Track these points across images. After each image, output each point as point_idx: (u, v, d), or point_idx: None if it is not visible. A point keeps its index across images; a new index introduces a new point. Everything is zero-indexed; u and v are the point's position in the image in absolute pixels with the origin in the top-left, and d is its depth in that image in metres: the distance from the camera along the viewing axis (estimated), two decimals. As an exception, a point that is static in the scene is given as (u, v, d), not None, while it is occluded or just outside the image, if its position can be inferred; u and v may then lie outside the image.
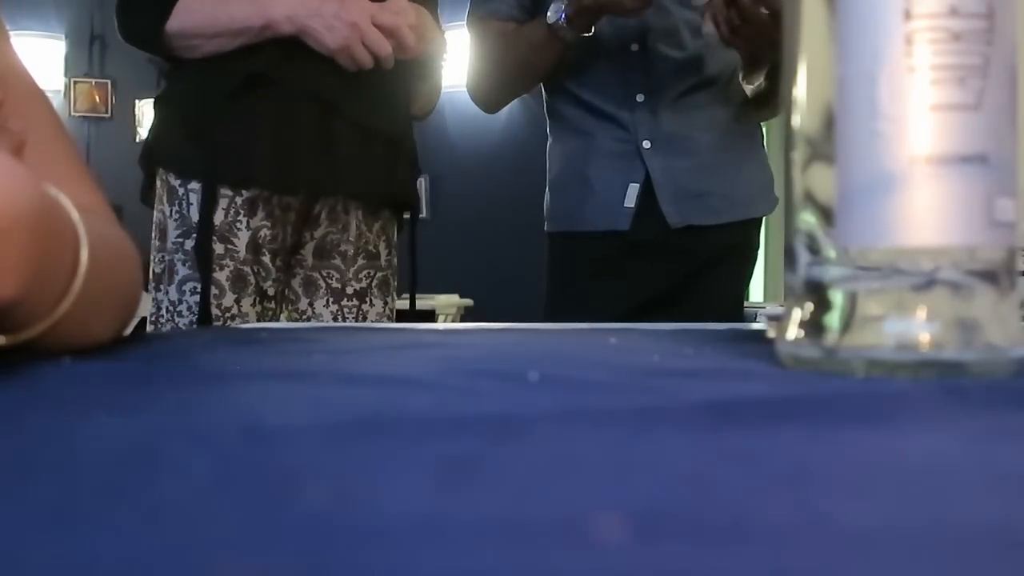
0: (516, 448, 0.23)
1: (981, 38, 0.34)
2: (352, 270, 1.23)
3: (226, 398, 0.32)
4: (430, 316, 3.73)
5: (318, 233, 1.21)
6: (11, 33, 0.59)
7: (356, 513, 0.16)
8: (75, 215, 0.41)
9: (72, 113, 4.61)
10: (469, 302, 4.04)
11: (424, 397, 0.31)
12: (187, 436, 0.24)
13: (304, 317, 1.23)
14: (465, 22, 1.39)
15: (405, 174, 1.26)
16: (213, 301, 1.13)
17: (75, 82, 4.66)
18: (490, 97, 1.40)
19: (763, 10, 1.15)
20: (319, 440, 0.23)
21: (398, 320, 1.34)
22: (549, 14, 1.24)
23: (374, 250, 1.25)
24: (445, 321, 3.78)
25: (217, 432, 0.25)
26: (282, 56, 1.14)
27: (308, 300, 1.23)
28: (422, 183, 4.37)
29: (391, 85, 1.21)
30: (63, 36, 4.65)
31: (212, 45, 1.14)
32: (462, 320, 3.93)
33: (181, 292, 1.15)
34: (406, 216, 1.32)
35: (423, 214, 4.36)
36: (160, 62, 1.24)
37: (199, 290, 1.13)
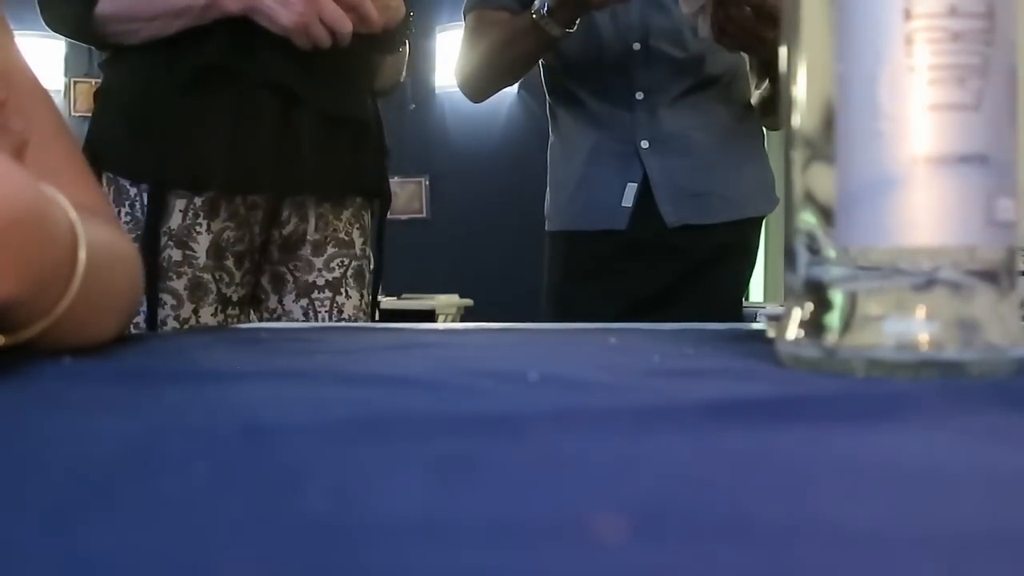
0: (516, 448, 0.23)
1: (981, 38, 0.34)
2: (321, 260, 1.13)
3: (226, 398, 0.32)
4: (430, 316, 3.73)
5: (287, 230, 1.12)
6: (13, 32, 0.59)
7: (356, 513, 0.16)
8: (73, 215, 0.41)
9: (72, 113, 4.61)
10: (469, 302, 4.03)
11: (424, 397, 0.31)
12: (187, 436, 0.24)
13: (274, 316, 1.13)
14: (462, 11, 1.40)
15: (373, 161, 1.17)
16: (171, 312, 1.04)
17: (75, 82, 4.66)
18: (474, 85, 1.40)
19: (747, 9, 1.15)
20: (319, 440, 0.23)
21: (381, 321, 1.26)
22: (535, 4, 1.24)
23: (346, 237, 1.15)
24: (445, 321, 3.77)
25: (217, 432, 0.25)
26: (234, 43, 1.02)
27: (277, 297, 1.13)
28: (422, 183, 4.37)
29: (356, 65, 1.11)
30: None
31: (151, 28, 1.01)
32: (462, 320, 3.92)
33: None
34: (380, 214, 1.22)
35: (423, 214, 4.38)
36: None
37: (161, 302, 1.03)
